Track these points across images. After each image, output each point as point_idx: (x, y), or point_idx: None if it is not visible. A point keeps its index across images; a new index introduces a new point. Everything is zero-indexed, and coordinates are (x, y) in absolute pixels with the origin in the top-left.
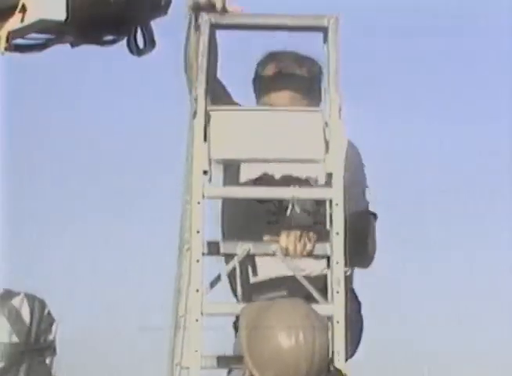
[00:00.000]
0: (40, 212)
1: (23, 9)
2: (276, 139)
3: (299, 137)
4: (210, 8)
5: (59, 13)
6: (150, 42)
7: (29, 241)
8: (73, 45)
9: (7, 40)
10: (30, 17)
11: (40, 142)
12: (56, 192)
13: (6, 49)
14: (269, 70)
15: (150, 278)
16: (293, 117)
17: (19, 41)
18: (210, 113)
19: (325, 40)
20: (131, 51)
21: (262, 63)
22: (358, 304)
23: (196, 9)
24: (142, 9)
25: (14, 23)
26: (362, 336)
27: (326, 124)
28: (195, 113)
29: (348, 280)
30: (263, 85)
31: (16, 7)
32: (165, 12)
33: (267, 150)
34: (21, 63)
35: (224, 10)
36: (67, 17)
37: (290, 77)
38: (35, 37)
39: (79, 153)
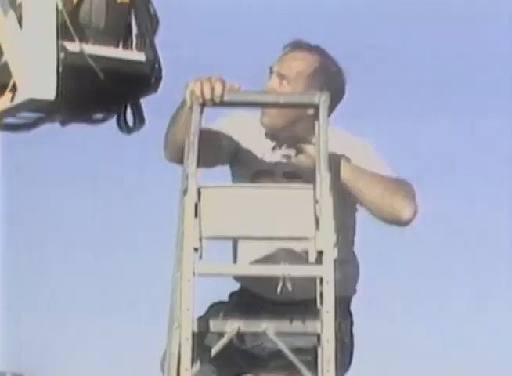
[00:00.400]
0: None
1: (14, 88)
2: (267, 216)
3: (290, 214)
4: (211, 97)
5: (48, 93)
6: (140, 120)
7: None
8: (63, 123)
9: None
10: (21, 97)
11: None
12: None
13: None
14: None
15: (142, 359)
16: (284, 194)
17: (9, 120)
18: (201, 190)
19: (316, 117)
20: (120, 129)
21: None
22: (351, 323)
23: (197, 99)
24: (132, 87)
25: (4, 102)
26: (352, 354)
27: (317, 201)
28: (185, 191)
29: (345, 300)
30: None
31: (6, 86)
32: (155, 90)
33: (258, 227)
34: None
35: (222, 98)
36: (57, 96)
37: (297, 55)
38: (25, 116)
39: (70, 231)
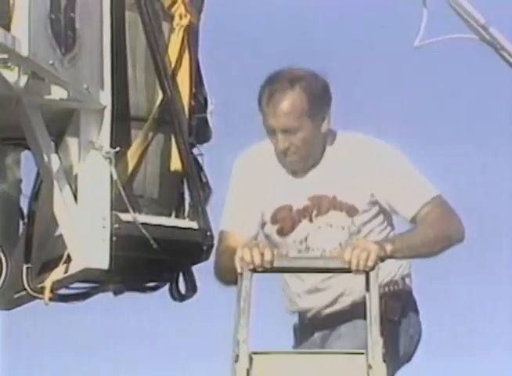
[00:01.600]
0: None
1: (68, 260)
2: None
3: None
4: (261, 263)
5: (102, 262)
6: (192, 287)
7: None
8: (116, 292)
9: (51, 290)
10: (75, 267)
11: None
12: None
13: (50, 299)
14: (264, 95)
15: None
16: (337, 359)
17: (62, 290)
18: (253, 356)
19: (366, 281)
20: (173, 297)
21: (261, 89)
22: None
23: (247, 266)
24: (184, 255)
25: (58, 274)
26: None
27: (370, 366)
28: (237, 357)
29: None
30: (262, 111)
31: (60, 259)
32: (207, 257)
33: None
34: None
35: (272, 264)
36: (110, 265)
37: (282, 99)
38: (78, 286)
39: None
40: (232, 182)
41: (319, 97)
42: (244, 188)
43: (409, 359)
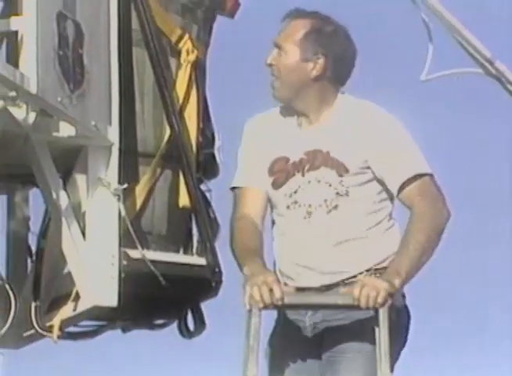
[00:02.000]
0: None
1: (76, 298)
2: None
3: None
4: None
5: (111, 299)
6: (201, 324)
7: None
8: (124, 330)
9: (60, 328)
10: (84, 304)
11: None
12: None
13: (59, 337)
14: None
15: None
16: None
17: (71, 328)
18: None
19: (376, 318)
20: (181, 333)
21: None
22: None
23: (257, 304)
24: (193, 291)
25: (66, 311)
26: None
27: None
28: None
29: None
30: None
31: (69, 295)
32: (215, 294)
33: None
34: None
35: (283, 301)
36: (119, 302)
37: (290, 19)
38: (87, 324)
39: None
40: (242, 145)
41: (319, 38)
42: (253, 147)
43: (404, 344)
